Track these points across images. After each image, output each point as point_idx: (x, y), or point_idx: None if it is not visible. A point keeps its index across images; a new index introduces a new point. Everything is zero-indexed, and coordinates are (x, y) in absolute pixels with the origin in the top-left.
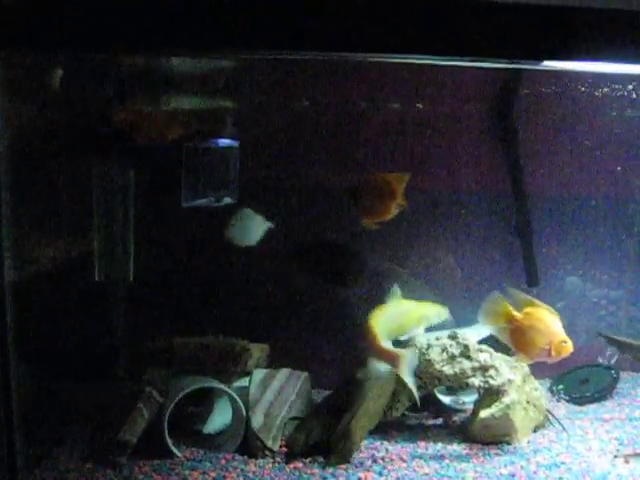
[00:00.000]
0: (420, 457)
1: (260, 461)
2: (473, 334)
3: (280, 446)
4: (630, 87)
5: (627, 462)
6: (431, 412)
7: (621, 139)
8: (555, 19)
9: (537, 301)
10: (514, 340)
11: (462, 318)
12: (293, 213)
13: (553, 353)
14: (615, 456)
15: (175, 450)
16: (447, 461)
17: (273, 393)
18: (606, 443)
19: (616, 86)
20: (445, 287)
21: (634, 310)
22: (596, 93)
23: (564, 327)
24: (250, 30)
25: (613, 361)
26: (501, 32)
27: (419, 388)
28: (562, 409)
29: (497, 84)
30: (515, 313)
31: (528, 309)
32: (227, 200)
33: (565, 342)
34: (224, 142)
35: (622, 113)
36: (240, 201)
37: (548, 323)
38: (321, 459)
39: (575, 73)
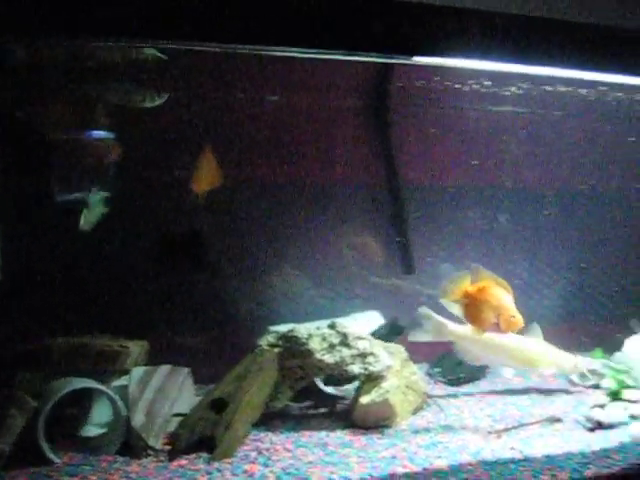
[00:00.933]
0: (304, 446)
1: (143, 461)
2: (362, 324)
3: (163, 444)
4: (489, 83)
5: (499, 437)
6: (313, 401)
7: (488, 132)
8: (426, 16)
9: (492, 275)
10: (467, 313)
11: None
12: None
13: (502, 327)
14: (489, 432)
15: (52, 456)
16: (331, 448)
17: (154, 390)
18: (480, 420)
19: (483, 82)
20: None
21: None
22: (465, 88)
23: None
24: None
25: None
26: (374, 27)
27: (300, 379)
28: (439, 391)
29: (372, 78)
30: (469, 288)
31: (482, 284)
32: (103, 194)
33: (514, 317)
34: (98, 134)
35: (488, 108)
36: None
37: (498, 298)
38: (206, 454)
39: (447, 68)
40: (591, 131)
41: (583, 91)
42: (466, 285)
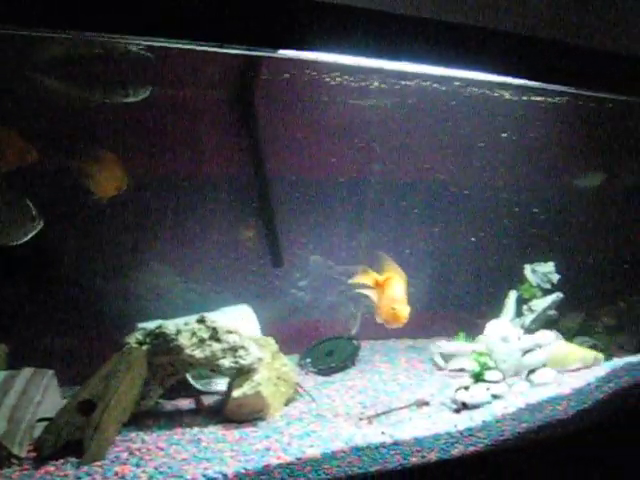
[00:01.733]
0: (177, 443)
1: (6, 471)
2: (232, 317)
3: (28, 451)
4: (353, 77)
5: (370, 423)
6: (185, 397)
7: (356, 125)
8: (292, 9)
9: (395, 266)
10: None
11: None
12: None
13: (385, 318)
14: (360, 419)
15: None
16: (204, 444)
17: (16, 395)
18: (351, 408)
19: (347, 76)
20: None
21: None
22: (332, 82)
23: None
24: None
25: (354, 331)
26: (239, 19)
27: (170, 376)
28: (311, 381)
29: (237, 70)
30: (379, 277)
31: (387, 274)
32: None
33: (393, 309)
34: None
35: (353, 101)
36: None
37: (392, 289)
38: (74, 459)
39: (312, 62)
40: (451, 126)
41: (442, 87)
42: (374, 274)
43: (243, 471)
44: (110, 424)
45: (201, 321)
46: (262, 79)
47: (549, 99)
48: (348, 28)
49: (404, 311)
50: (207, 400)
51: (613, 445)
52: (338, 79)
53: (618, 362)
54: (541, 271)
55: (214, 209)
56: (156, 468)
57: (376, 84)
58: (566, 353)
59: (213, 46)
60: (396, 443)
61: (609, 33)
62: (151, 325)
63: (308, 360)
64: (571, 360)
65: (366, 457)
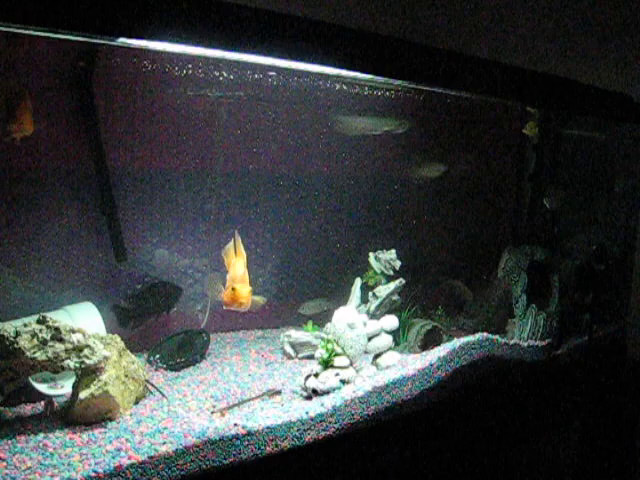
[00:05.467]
0: (21, 452)
1: None
2: (75, 316)
3: None
4: (199, 67)
5: (223, 415)
6: (28, 402)
7: (199, 116)
8: None
9: (239, 249)
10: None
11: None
12: None
13: (227, 300)
14: (212, 412)
15: None
16: (51, 450)
17: None
18: (203, 402)
19: (193, 66)
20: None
21: (220, 275)
22: (176, 72)
23: None
24: None
25: (203, 325)
26: (75, 4)
27: (10, 381)
28: (161, 377)
29: (74, 57)
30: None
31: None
32: None
33: (233, 289)
34: None
35: (198, 92)
36: None
37: (233, 269)
38: None
39: (157, 52)
40: (290, 117)
41: (282, 78)
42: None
43: (93, 474)
44: None
45: (42, 321)
46: (101, 68)
47: (388, 92)
48: (190, 17)
49: (243, 290)
50: (52, 404)
51: (455, 421)
52: (183, 70)
53: (457, 342)
54: (384, 258)
55: (52, 203)
56: None
57: (224, 75)
58: None
59: (49, 32)
60: (249, 434)
61: (449, 33)
62: None
63: (157, 356)
64: None
65: (220, 450)
